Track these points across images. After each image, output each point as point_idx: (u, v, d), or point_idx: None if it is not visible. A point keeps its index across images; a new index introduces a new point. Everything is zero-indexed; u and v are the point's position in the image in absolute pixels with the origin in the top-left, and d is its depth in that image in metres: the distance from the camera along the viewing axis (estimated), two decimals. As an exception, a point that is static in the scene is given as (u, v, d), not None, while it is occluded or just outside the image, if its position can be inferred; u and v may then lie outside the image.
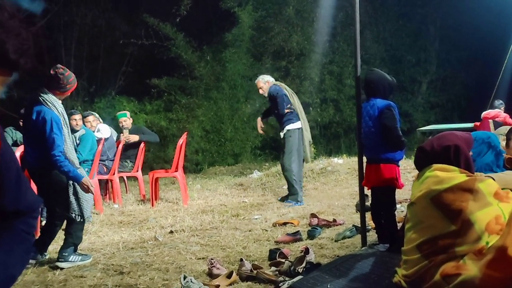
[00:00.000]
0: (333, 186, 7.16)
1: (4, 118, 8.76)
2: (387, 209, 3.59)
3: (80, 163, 4.48)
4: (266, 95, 6.23)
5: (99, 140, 6.25)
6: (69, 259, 3.67)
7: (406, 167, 7.00)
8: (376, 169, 3.53)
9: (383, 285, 2.83)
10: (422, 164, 2.80)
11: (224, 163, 11.79)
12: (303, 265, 3.17)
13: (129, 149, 6.90)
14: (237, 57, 12.18)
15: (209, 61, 12.39)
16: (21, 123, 5.63)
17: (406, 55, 14.43)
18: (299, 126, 6.10)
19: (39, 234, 3.88)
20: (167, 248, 4.07)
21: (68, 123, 3.74)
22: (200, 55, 12.43)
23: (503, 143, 3.62)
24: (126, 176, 7.26)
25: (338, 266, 3.21)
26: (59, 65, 3.73)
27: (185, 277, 3.08)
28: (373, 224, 3.83)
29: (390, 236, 3.53)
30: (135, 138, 6.86)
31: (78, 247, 3.85)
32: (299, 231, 4.26)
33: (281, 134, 6.15)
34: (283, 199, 6.14)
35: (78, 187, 3.66)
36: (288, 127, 6.05)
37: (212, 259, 3.39)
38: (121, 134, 6.97)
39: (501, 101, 8.22)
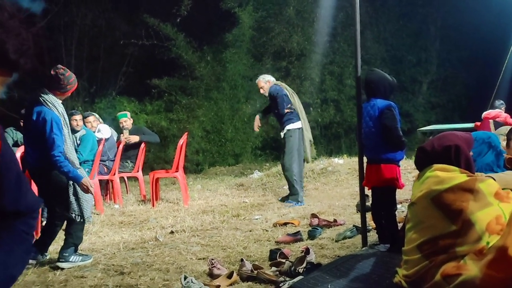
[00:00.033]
0: (334, 186, 7.16)
1: (4, 119, 8.76)
2: (387, 209, 3.59)
3: (80, 164, 4.48)
4: (266, 94, 6.23)
5: (99, 141, 6.26)
6: (70, 260, 3.67)
7: (407, 167, 7.00)
8: (376, 169, 3.53)
9: (384, 285, 2.82)
10: (422, 164, 2.80)
11: (225, 164, 11.79)
12: (304, 265, 3.17)
13: (130, 149, 6.91)
14: (238, 57, 12.19)
15: (210, 61, 12.39)
16: (21, 124, 5.63)
17: (407, 55, 14.43)
18: (299, 126, 6.09)
19: (39, 234, 3.89)
20: (167, 249, 4.07)
21: (68, 124, 3.74)
22: (200, 56, 12.43)
23: (504, 143, 3.62)
24: (127, 177, 7.27)
25: (338, 266, 3.21)
26: (59, 66, 3.73)
27: (185, 278, 3.09)
28: (374, 224, 3.83)
29: (390, 236, 3.53)
30: (135, 138, 6.86)
31: (79, 248, 3.85)
32: (299, 231, 4.26)
33: (282, 134, 6.15)
34: (284, 199, 6.13)
35: (78, 187, 3.66)
36: (288, 126, 6.05)
37: (212, 259, 3.39)
38: (121, 135, 6.97)
39: (501, 101, 8.22)
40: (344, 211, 5.30)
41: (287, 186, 6.32)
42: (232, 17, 12.24)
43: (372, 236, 3.90)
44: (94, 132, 6.44)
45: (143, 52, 12.72)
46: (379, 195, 3.61)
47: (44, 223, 4.06)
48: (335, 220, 4.70)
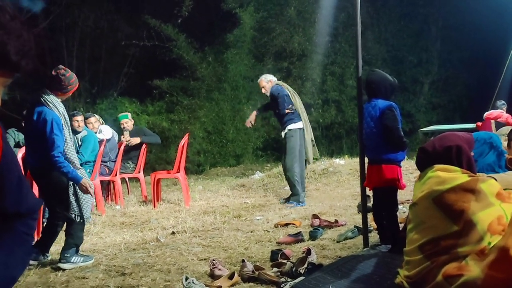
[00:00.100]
0: (335, 187, 7.15)
1: (6, 120, 8.78)
2: (389, 209, 3.59)
3: (82, 164, 4.49)
4: (268, 94, 6.22)
5: (101, 142, 6.26)
6: (71, 260, 3.67)
7: (408, 167, 7.00)
8: (377, 169, 3.53)
9: (385, 286, 2.82)
10: (424, 165, 2.80)
11: (226, 164, 11.79)
12: (305, 266, 3.17)
13: (131, 150, 6.91)
14: (239, 58, 12.19)
15: (211, 62, 12.39)
16: (23, 124, 5.64)
17: (408, 55, 14.41)
18: (300, 126, 6.09)
19: (40, 235, 3.90)
20: (169, 249, 4.07)
21: (69, 124, 3.75)
22: (202, 56, 12.44)
23: (505, 144, 3.62)
24: (128, 177, 7.27)
25: (340, 267, 3.21)
26: (60, 66, 3.74)
27: (187, 278, 3.09)
28: (375, 225, 3.83)
29: (392, 237, 3.53)
30: (136, 140, 6.86)
31: (80, 248, 3.86)
32: (301, 232, 4.26)
33: (282, 134, 6.15)
34: (286, 200, 6.12)
35: (78, 188, 3.67)
36: (289, 126, 6.05)
37: (214, 260, 3.39)
38: (122, 136, 6.98)
39: (503, 102, 8.22)
40: (345, 212, 5.29)
41: (288, 187, 6.32)
42: (233, 18, 12.24)
43: (374, 237, 3.90)
44: (95, 133, 6.44)
45: (145, 53, 12.73)
46: (380, 195, 3.61)
47: (45, 224, 4.06)
48: (336, 221, 4.69)
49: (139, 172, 6.91)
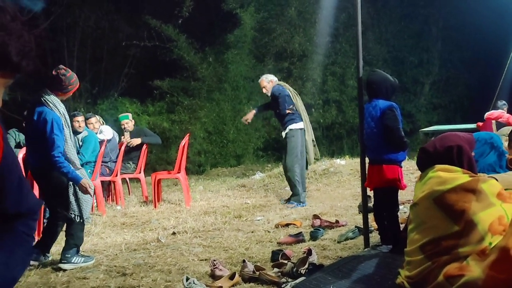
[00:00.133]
0: (336, 187, 7.15)
1: (7, 120, 8.78)
2: (389, 210, 3.58)
3: (82, 165, 4.49)
4: (269, 94, 6.20)
5: (101, 142, 6.26)
6: (72, 261, 3.67)
7: (409, 168, 6.99)
8: (378, 170, 3.53)
9: (386, 286, 2.82)
10: (424, 165, 2.80)
11: (227, 165, 11.79)
12: (306, 266, 3.17)
13: (132, 150, 6.91)
14: (239, 58, 12.19)
15: (212, 62, 12.40)
16: (24, 125, 5.64)
17: (409, 56, 14.41)
18: (301, 126, 6.08)
19: (40, 235, 3.90)
20: (169, 250, 4.07)
21: (69, 124, 3.75)
22: (202, 57, 12.44)
23: (506, 144, 3.62)
24: (129, 178, 7.27)
25: (340, 267, 3.21)
26: (61, 66, 3.74)
27: (187, 279, 3.09)
28: (376, 225, 3.83)
29: (393, 237, 3.52)
30: (137, 141, 6.87)
31: (81, 249, 3.86)
32: (301, 232, 4.26)
33: (283, 134, 6.14)
34: (287, 201, 6.11)
35: (78, 188, 3.68)
36: (291, 126, 6.04)
37: (214, 260, 3.39)
38: (122, 137, 6.98)
39: (504, 102, 8.22)
40: (346, 212, 5.29)
41: (288, 187, 6.32)
42: (233, 18, 12.25)
43: (374, 237, 3.90)
44: (96, 133, 6.45)
45: (145, 53, 12.74)
46: (381, 196, 3.61)
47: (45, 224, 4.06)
48: (337, 221, 4.69)
49: (140, 172, 6.92)
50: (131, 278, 3.38)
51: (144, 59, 13.10)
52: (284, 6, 12.60)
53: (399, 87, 4.21)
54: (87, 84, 12.24)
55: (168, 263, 3.69)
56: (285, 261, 3.35)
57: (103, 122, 7.01)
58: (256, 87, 9.83)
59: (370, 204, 4.02)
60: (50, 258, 3.89)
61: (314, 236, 4.21)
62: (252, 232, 4.59)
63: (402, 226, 3.61)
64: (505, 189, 2.62)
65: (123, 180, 7.01)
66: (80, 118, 6.10)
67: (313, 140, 6.30)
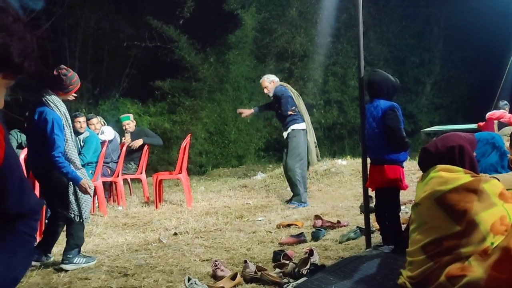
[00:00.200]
0: (337, 188, 7.15)
1: (9, 121, 8.80)
2: (391, 210, 3.58)
3: (84, 166, 4.49)
4: (271, 94, 6.19)
5: (103, 143, 6.27)
6: (74, 261, 3.68)
7: (411, 168, 6.98)
8: (380, 170, 3.53)
9: (388, 287, 2.82)
10: (426, 165, 2.80)
11: (228, 165, 11.79)
12: (307, 266, 3.17)
13: (133, 151, 6.92)
14: (241, 59, 12.20)
15: (213, 63, 12.40)
16: (25, 126, 5.65)
17: (410, 56, 14.39)
18: (303, 127, 6.08)
19: (41, 236, 3.90)
20: (171, 250, 4.07)
21: (70, 124, 3.76)
22: (203, 57, 12.45)
23: (507, 144, 3.61)
24: (130, 178, 7.28)
25: (342, 267, 3.21)
26: (62, 66, 3.75)
27: (189, 279, 3.09)
28: (378, 225, 3.82)
29: (394, 237, 3.52)
30: (139, 142, 6.88)
31: (82, 249, 3.86)
32: (303, 232, 4.26)
33: (285, 134, 6.13)
34: (289, 201, 6.11)
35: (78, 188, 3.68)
36: (293, 127, 6.04)
37: (216, 261, 3.39)
38: (123, 138, 6.99)
39: (505, 102, 8.20)
40: (347, 213, 5.29)
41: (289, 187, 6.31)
42: (235, 19, 12.25)
43: (376, 238, 3.89)
44: (97, 134, 6.45)
45: (146, 54, 12.76)
46: (382, 196, 3.61)
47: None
48: (338, 222, 4.69)
49: (141, 173, 6.92)
50: (133, 278, 3.38)
51: (145, 60, 13.12)
52: (285, 7, 12.60)
53: (401, 87, 4.21)
54: (88, 85, 12.26)
55: (170, 263, 3.69)
56: (287, 262, 3.35)
57: (104, 123, 7.02)
58: (257, 88, 9.82)
59: (372, 205, 4.02)
60: (51, 259, 3.90)
61: (315, 237, 4.21)
62: (254, 232, 4.59)
63: (403, 226, 3.61)
64: (507, 189, 2.61)
65: (125, 180, 7.02)
66: (82, 119, 6.11)
67: (314, 142, 6.30)
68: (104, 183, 6.37)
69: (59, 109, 3.62)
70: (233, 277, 3.14)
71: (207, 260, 3.70)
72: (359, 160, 7.29)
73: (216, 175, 10.62)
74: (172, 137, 11.81)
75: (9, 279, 1.24)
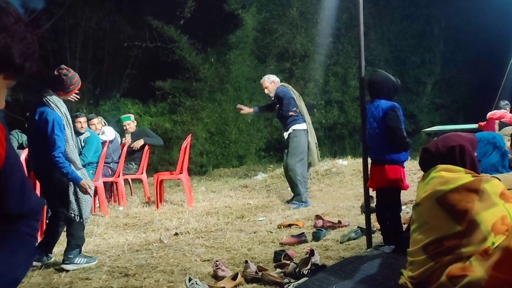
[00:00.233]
0: (338, 188, 7.15)
1: (10, 121, 8.81)
2: (392, 210, 3.58)
3: (85, 166, 4.50)
4: (271, 95, 6.18)
5: (104, 143, 6.27)
6: (75, 261, 3.68)
7: (411, 168, 6.98)
8: (381, 170, 3.53)
9: (389, 287, 2.82)
10: (427, 165, 2.80)
11: (229, 165, 11.79)
12: (308, 266, 3.17)
13: (134, 151, 6.93)
14: (241, 59, 12.19)
15: (213, 63, 12.40)
16: (26, 126, 5.66)
17: (411, 56, 14.38)
18: (304, 128, 6.08)
19: (42, 236, 3.91)
20: (172, 250, 4.08)
21: (71, 124, 3.76)
22: (204, 57, 12.45)
23: (508, 144, 3.61)
24: (131, 179, 7.28)
25: (343, 267, 3.21)
26: (62, 66, 3.75)
27: (190, 279, 3.09)
28: (378, 225, 3.82)
29: (395, 237, 3.52)
30: (140, 143, 6.88)
31: (83, 249, 3.87)
32: (304, 232, 4.26)
33: (285, 134, 6.13)
34: (290, 201, 6.10)
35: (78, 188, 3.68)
36: (294, 127, 6.03)
37: (217, 261, 3.39)
38: (123, 138, 6.99)
39: (506, 102, 8.19)
40: (348, 213, 5.29)
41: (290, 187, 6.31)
42: (235, 19, 12.25)
43: (377, 238, 3.89)
44: (98, 134, 6.46)
45: (147, 54, 12.76)
46: (383, 196, 3.61)
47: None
48: (339, 222, 4.69)
49: (142, 173, 6.93)
50: (134, 278, 3.38)
51: (146, 60, 13.12)
52: (285, 7, 12.59)
53: (401, 87, 4.21)
54: (89, 85, 12.27)
55: (171, 263, 3.69)
56: (288, 262, 3.35)
57: (105, 123, 7.02)
58: (258, 88, 9.82)
59: (373, 205, 4.02)
60: (52, 259, 3.90)
61: (316, 237, 4.21)
62: (255, 232, 4.59)
63: (404, 226, 3.61)
64: (508, 189, 2.61)
65: (125, 181, 7.03)
66: (82, 119, 6.12)
67: (316, 143, 6.30)
68: (105, 183, 6.37)
69: (59, 109, 3.62)
70: (234, 277, 3.14)
71: (208, 260, 3.70)
72: (360, 160, 7.29)
73: (217, 175, 10.62)
74: (173, 137, 11.81)
75: (10, 279, 1.24)
